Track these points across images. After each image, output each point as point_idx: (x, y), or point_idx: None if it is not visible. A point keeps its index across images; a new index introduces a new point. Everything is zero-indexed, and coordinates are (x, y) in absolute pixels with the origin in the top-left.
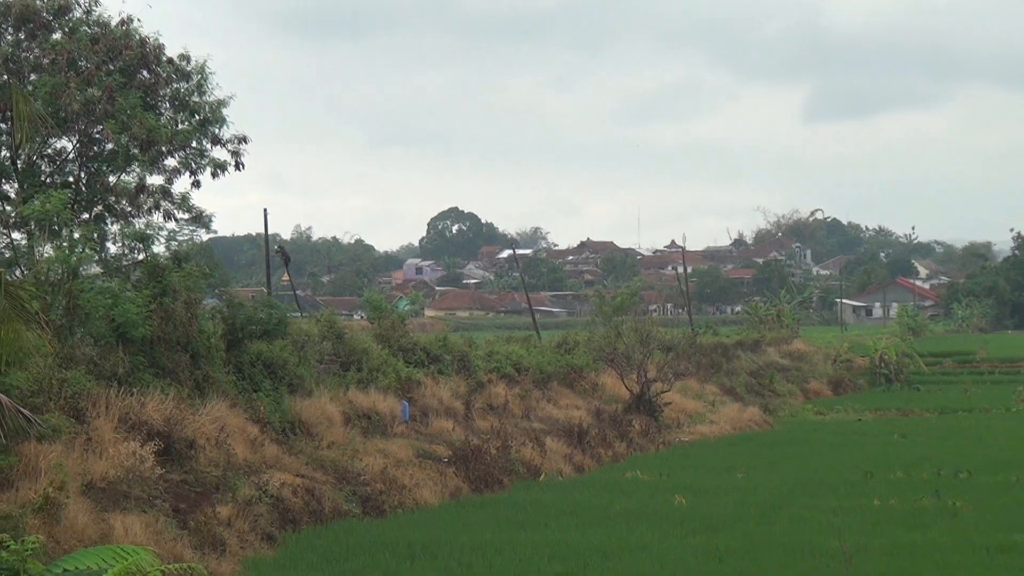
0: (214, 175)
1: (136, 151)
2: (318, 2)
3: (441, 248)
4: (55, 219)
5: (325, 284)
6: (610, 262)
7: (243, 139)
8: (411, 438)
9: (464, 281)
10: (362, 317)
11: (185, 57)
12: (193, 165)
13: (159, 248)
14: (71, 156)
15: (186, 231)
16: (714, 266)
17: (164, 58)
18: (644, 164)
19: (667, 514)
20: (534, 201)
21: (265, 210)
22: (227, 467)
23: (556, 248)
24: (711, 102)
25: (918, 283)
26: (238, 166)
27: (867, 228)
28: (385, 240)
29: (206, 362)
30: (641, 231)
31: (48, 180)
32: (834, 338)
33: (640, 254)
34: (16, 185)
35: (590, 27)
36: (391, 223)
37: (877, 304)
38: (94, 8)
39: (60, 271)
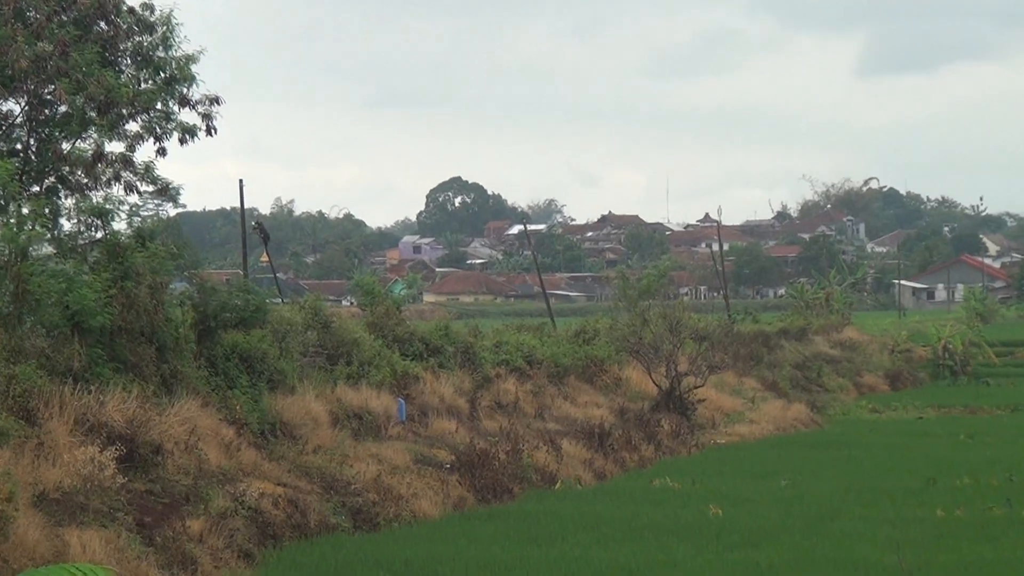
0: (182, 141)
1: (93, 114)
2: None
3: (442, 224)
4: (1, 192)
5: (310, 265)
6: (635, 239)
7: (215, 100)
8: (408, 441)
9: (468, 261)
10: (352, 303)
11: (148, 6)
12: (158, 130)
13: (120, 225)
14: (19, 120)
15: (151, 205)
16: (754, 243)
17: (124, 7)
18: (674, 126)
19: (701, 527)
20: (548, 170)
21: (241, 181)
22: (198, 475)
23: (573, 223)
24: (752, 54)
25: (987, 261)
26: (210, 131)
27: (929, 199)
28: (378, 215)
29: (174, 355)
30: (671, 203)
31: None
32: (891, 325)
33: (669, 229)
34: None
35: None
36: (385, 195)
37: (940, 286)
38: None
39: (7, 251)
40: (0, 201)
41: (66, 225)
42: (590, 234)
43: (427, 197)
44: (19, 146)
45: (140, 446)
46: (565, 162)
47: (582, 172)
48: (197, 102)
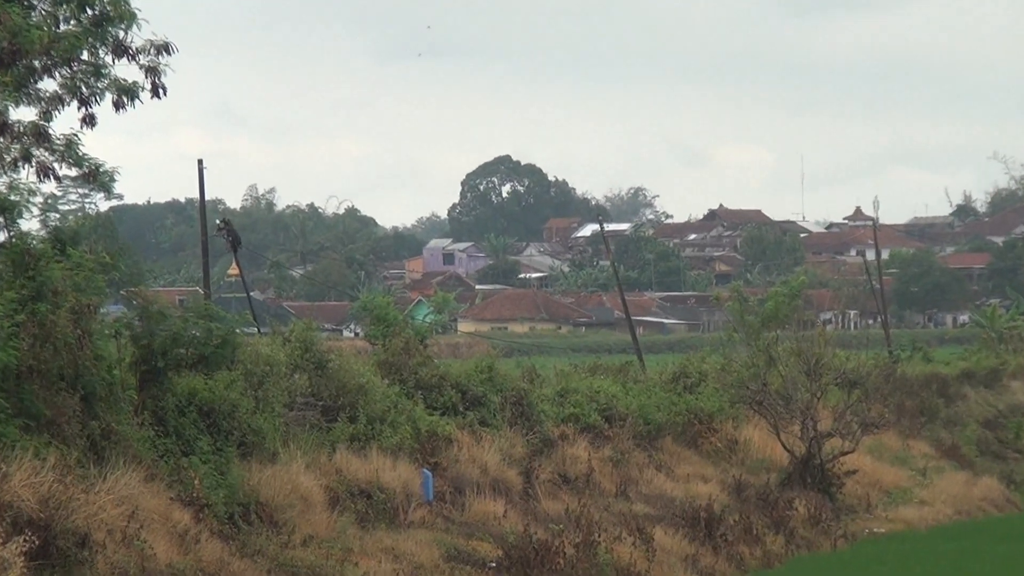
0: (118, 106)
1: None
2: None
3: (484, 222)
4: None
5: (298, 281)
6: (756, 243)
7: (165, 48)
8: (437, 530)
9: (521, 275)
10: (357, 334)
11: None
12: (84, 90)
13: (30, 223)
14: None
15: (73, 196)
16: (925, 249)
17: None
18: (811, 83)
19: None
20: (634, 146)
21: (200, 162)
22: None
23: (670, 221)
24: None
25: None
26: (157, 92)
27: None
28: (394, 210)
29: (106, 407)
30: (806, 192)
31: None
32: None
33: (805, 230)
34: None
35: None
36: (404, 183)
37: None
38: None
39: None
40: None
41: None
42: (693, 236)
43: (463, 185)
44: None
45: (59, 536)
46: (658, 135)
47: (682, 149)
48: (139, 51)
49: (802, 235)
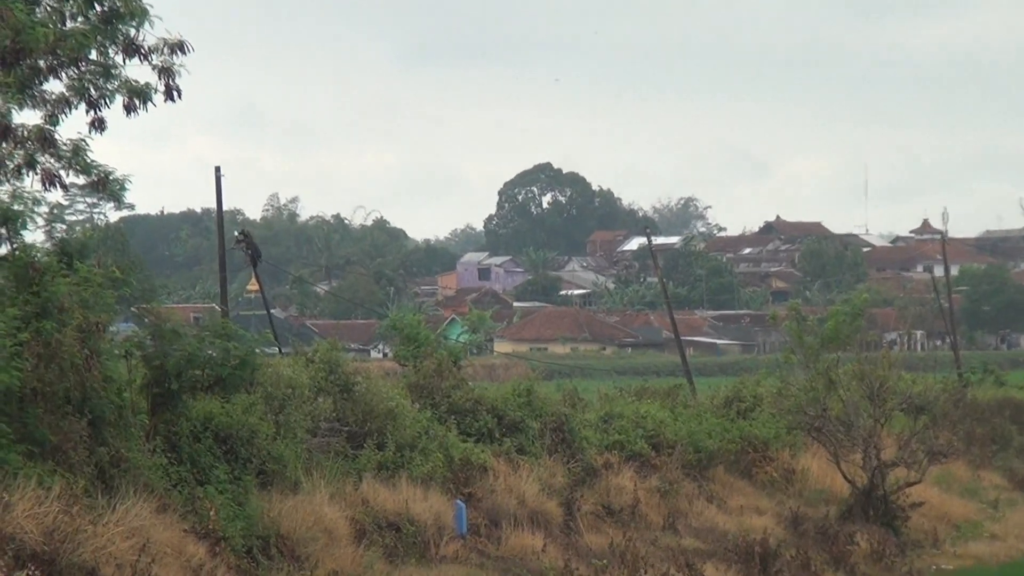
0: (130, 109)
1: None
2: None
3: (523, 235)
4: None
5: (322, 298)
6: (816, 257)
7: (179, 47)
8: (472, 565)
9: (563, 292)
10: (386, 355)
11: None
12: (93, 92)
13: (35, 235)
14: None
15: (82, 206)
16: (997, 264)
17: None
18: (877, 89)
19: None
20: (685, 154)
21: (218, 169)
22: None
23: (722, 235)
24: None
25: None
26: (171, 94)
27: None
28: (426, 222)
29: (116, 433)
30: (870, 204)
31: None
32: None
33: (869, 244)
34: None
35: None
36: (437, 193)
37: None
38: None
39: None
40: None
41: None
42: (748, 251)
43: (500, 195)
44: None
45: (64, 570)
46: (711, 142)
47: (737, 157)
48: (151, 50)
49: (865, 249)
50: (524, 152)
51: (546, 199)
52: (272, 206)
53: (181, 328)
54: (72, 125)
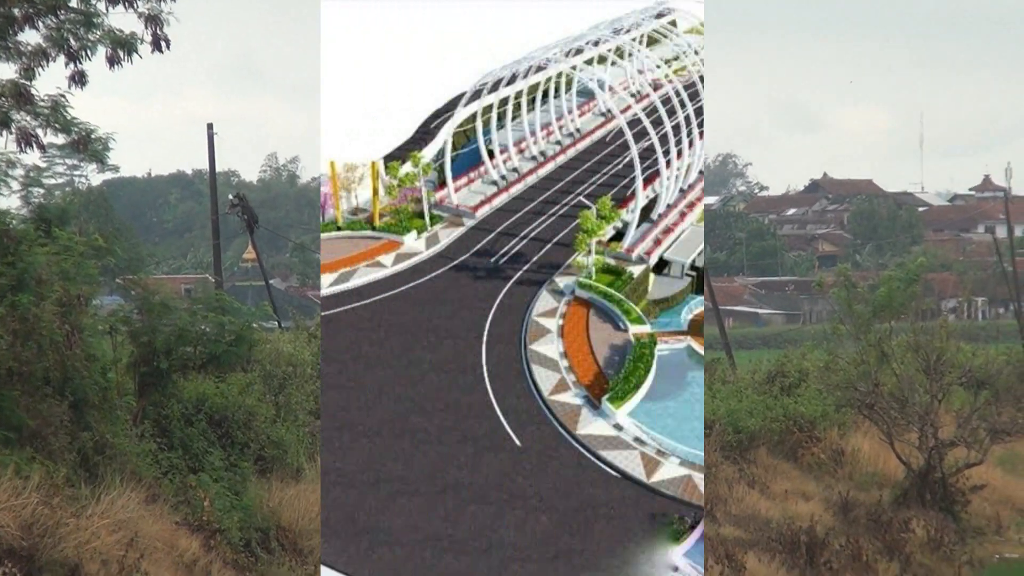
0: (113, 62)
1: None
2: None
3: None
4: None
5: None
6: (867, 219)
7: None
8: None
9: None
10: None
11: None
12: (72, 43)
13: (9, 200)
14: None
15: (61, 168)
16: None
17: None
18: (936, 33)
19: None
20: (721, 107)
21: (210, 126)
22: None
23: (764, 194)
24: None
25: None
26: (158, 44)
27: None
28: None
29: (99, 416)
30: (926, 159)
31: None
32: None
33: (925, 203)
34: None
35: None
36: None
37: None
38: None
39: None
40: None
41: None
42: (792, 212)
43: None
44: None
45: (45, 568)
46: (752, 93)
47: (780, 109)
48: None
49: (920, 209)
50: None
51: None
52: (270, 167)
53: (171, 301)
54: (50, 79)
